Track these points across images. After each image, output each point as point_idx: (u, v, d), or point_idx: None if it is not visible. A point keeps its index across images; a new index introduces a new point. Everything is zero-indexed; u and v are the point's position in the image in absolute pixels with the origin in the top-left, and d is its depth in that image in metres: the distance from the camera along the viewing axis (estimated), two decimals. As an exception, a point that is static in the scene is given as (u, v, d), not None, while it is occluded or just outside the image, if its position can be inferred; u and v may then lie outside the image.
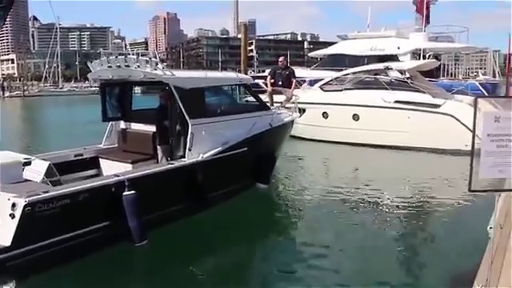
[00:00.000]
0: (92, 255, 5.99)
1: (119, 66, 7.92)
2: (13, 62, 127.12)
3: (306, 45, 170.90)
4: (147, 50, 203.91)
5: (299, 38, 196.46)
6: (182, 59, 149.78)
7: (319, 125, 16.14)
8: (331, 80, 17.87)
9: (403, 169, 13.38)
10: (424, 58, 22.09)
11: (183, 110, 7.82)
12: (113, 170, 7.98)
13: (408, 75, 17.00)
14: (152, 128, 8.64)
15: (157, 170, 7.36)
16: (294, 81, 12.71)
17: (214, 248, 6.90)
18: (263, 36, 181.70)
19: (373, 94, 16.08)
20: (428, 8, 23.28)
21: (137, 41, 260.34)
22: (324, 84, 17.74)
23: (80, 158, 8.55)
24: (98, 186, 6.34)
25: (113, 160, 8.48)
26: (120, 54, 8.28)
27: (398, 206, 9.24)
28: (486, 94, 16.82)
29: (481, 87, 18.81)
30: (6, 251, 5.29)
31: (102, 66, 8.30)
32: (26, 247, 5.43)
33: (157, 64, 7.72)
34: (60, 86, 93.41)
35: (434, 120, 14.91)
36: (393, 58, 20.66)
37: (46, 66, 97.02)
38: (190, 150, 7.76)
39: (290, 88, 12.28)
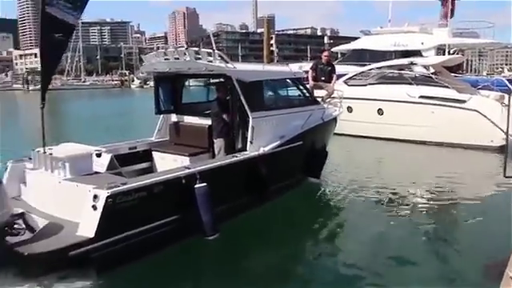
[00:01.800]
0: (164, 248, 6.02)
1: (177, 58, 7.85)
2: (36, 57, 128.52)
3: (326, 40, 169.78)
4: (167, 43, 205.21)
5: (319, 33, 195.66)
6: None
7: (344, 119, 16.20)
8: (356, 75, 17.96)
9: (429, 164, 13.43)
10: (448, 53, 21.93)
11: (244, 103, 7.75)
12: (167, 163, 7.99)
13: (433, 70, 17.02)
14: (207, 121, 8.51)
15: (226, 162, 7.25)
16: (335, 76, 12.51)
17: (275, 242, 7.08)
18: (283, 31, 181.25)
19: (397, 89, 16.17)
20: (453, 3, 23.04)
21: (156, 35, 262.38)
22: (348, 78, 17.84)
23: (134, 150, 8.47)
24: (171, 178, 6.24)
25: (168, 153, 8.37)
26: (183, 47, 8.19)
27: (428, 201, 9.40)
28: (513, 89, 16.63)
29: (508, 83, 18.53)
30: (90, 243, 5.24)
31: (158, 58, 8.25)
32: (109, 239, 5.38)
33: (220, 57, 7.60)
34: (82, 80, 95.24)
35: (459, 115, 14.92)
36: (416, 53, 20.51)
37: (69, 61, 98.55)
38: (251, 142, 7.74)
39: (331, 83, 12.05)
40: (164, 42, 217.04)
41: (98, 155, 6.84)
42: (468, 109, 14.87)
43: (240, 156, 7.55)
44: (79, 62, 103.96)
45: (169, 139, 9.07)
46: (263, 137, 7.96)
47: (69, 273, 5.07)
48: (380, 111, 16.23)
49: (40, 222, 5.56)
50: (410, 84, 16.12)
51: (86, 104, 46.91)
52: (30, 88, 78.26)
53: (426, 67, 17.22)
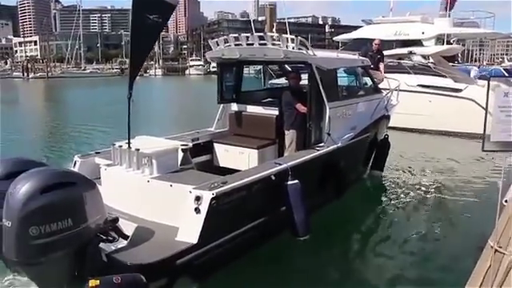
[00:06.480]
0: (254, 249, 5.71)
1: (251, 44, 7.45)
2: (36, 44, 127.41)
3: (327, 28, 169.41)
4: (167, 32, 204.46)
5: (320, 22, 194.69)
6: (202, 42, 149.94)
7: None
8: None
9: (430, 152, 13.60)
10: (448, 43, 22.19)
11: (322, 92, 7.25)
12: (232, 155, 7.68)
13: (431, 60, 17.34)
14: (272, 111, 8.01)
15: (314, 156, 6.83)
16: (383, 64, 12.29)
17: (354, 238, 7.13)
18: (284, 19, 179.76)
19: (396, 78, 16.43)
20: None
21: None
22: (348, 68, 18.11)
23: (196, 142, 7.85)
24: (266, 175, 5.78)
25: (233, 145, 7.80)
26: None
27: (436, 189, 9.63)
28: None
29: (505, 72, 18.92)
30: (194, 249, 4.76)
31: (228, 43, 7.81)
32: (210, 244, 4.96)
33: (302, 44, 7.11)
34: (82, 68, 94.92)
35: (455, 104, 15.29)
36: (417, 42, 20.77)
37: (69, 48, 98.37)
38: (329, 134, 7.30)
39: (379, 71, 11.59)
40: (165, 30, 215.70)
41: (184, 150, 6.24)
42: (464, 97, 15.23)
43: (323, 149, 7.10)
44: (79, 49, 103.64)
45: (229, 130, 8.53)
46: (338, 128, 7.55)
47: (166, 282, 4.57)
48: (379, 100, 16.53)
49: (127, 226, 4.92)
50: (409, 73, 16.44)
51: (88, 92, 46.59)
52: (30, 76, 78.41)
53: (425, 57, 17.53)
